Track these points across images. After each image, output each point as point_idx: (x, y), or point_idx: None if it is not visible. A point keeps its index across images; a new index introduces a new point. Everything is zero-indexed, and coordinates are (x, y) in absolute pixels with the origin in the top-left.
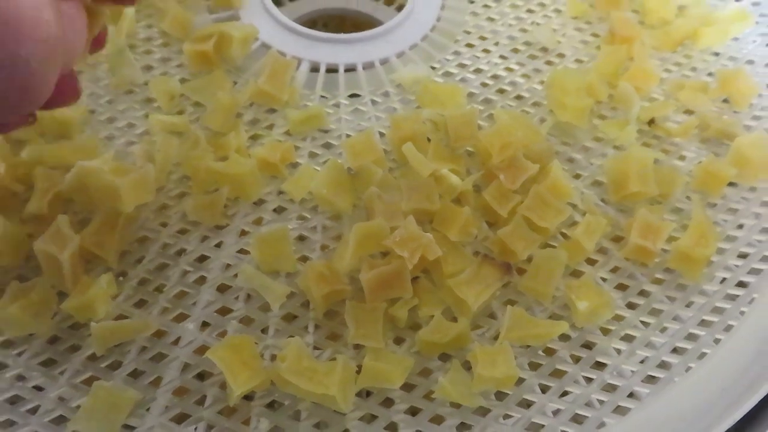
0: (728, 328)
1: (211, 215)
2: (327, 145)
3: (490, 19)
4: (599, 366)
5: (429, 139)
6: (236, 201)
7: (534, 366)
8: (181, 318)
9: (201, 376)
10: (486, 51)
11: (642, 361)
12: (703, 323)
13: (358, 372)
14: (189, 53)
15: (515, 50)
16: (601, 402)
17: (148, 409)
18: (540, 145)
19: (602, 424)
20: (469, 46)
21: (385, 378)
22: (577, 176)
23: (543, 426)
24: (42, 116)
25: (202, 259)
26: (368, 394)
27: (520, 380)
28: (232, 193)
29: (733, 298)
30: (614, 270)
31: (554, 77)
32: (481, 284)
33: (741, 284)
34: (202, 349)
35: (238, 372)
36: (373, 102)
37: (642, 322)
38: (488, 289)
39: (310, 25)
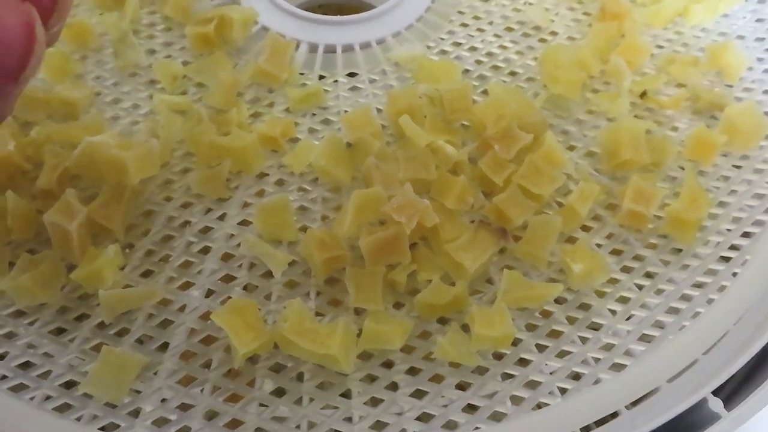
0: (721, 289)
1: (215, 188)
2: (326, 121)
3: (484, 0)
4: (595, 326)
5: (425, 116)
6: (238, 174)
7: (531, 327)
8: (187, 286)
9: (207, 341)
10: (480, 30)
11: (637, 322)
12: (697, 284)
13: (359, 336)
14: (191, 36)
15: (509, 29)
16: (596, 360)
17: (155, 373)
18: (534, 116)
19: (598, 380)
20: (464, 25)
21: (386, 339)
22: (572, 148)
23: (540, 383)
24: (49, 99)
25: (206, 230)
26: (369, 356)
27: (518, 341)
28: (235, 166)
29: (726, 260)
30: (609, 236)
31: (547, 52)
32: (477, 249)
33: (734, 247)
34: (207, 316)
35: (242, 333)
36: (371, 80)
37: (636, 284)
38: (484, 253)
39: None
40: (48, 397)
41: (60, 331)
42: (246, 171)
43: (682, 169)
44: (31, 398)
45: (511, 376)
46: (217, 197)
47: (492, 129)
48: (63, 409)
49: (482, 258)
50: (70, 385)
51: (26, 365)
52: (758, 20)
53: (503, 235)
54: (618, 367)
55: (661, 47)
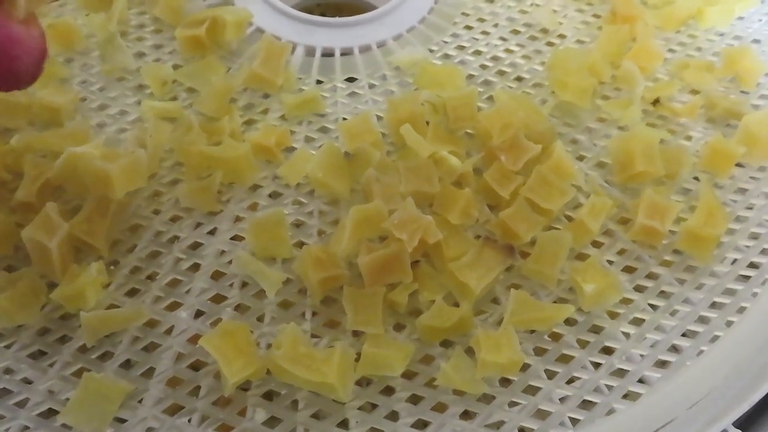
0: (741, 310)
1: (205, 201)
2: (323, 129)
3: (489, 1)
4: (607, 351)
5: (428, 123)
6: (230, 186)
7: (540, 351)
8: (174, 306)
9: (195, 367)
10: (485, 33)
11: (652, 345)
12: (715, 305)
13: (357, 360)
14: (181, 38)
15: (515, 32)
16: (609, 387)
17: (140, 401)
18: (542, 125)
19: (612, 410)
20: (468, 28)
21: (386, 365)
22: (581, 158)
23: (550, 413)
24: (31, 104)
25: (196, 246)
26: (368, 383)
27: (526, 366)
28: (226, 178)
29: (745, 279)
30: (621, 252)
31: (556, 57)
32: (483, 267)
33: (753, 265)
34: (195, 338)
35: (232, 360)
36: (371, 85)
37: (651, 305)
38: (491, 272)
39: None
40: (25, 428)
41: (39, 355)
42: (238, 183)
43: (697, 180)
44: (7, 430)
45: (518, 404)
46: (207, 211)
47: (498, 138)
48: None
49: (488, 278)
50: (49, 414)
51: (2, 392)
52: None
53: (510, 253)
54: (632, 396)
55: (673, 51)
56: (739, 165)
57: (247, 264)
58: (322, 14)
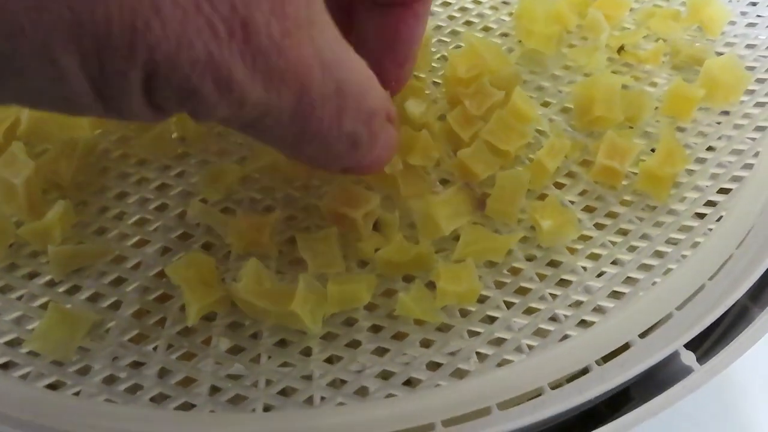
0: (695, 245)
1: (174, 144)
2: None
3: None
4: (565, 283)
5: None
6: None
7: (499, 285)
8: (142, 243)
9: (161, 299)
10: None
11: (608, 278)
12: (671, 241)
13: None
14: None
15: None
16: (566, 317)
17: (107, 331)
18: (507, 70)
19: (566, 336)
20: None
21: (353, 297)
22: (546, 104)
23: (506, 340)
24: None
25: (164, 187)
26: (331, 314)
27: (484, 297)
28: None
29: (701, 216)
30: (582, 193)
31: (523, 6)
32: (453, 208)
33: (710, 203)
34: (162, 274)
35: (196, 289)
36: None
37: (609, 241)
38: (460, 217)
39: None
40: None
41: (7, 289)
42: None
43: (659, 123)
44: None
45: (476, 333)
46: (174, 154)
47: (465, 75)
48: (7, 366)
49: (457, 222)
50: (15, 342)
51: None
52: None
53: (480, 206)
54: (587, 324)
55: (641, 2)
56: (703, 109)
57: (204, 214)
58: None
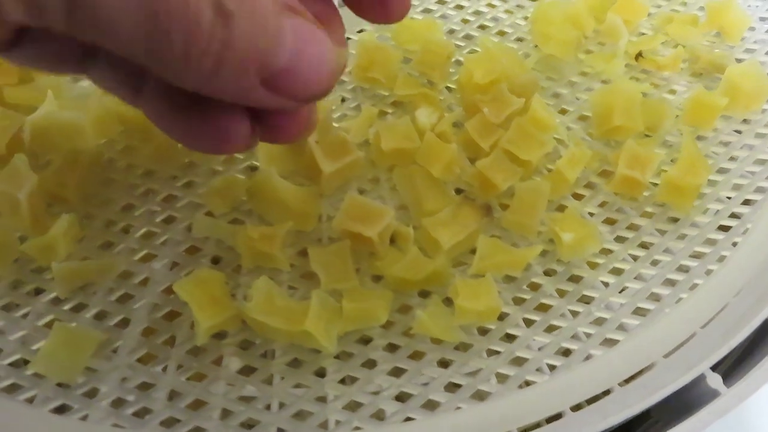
0: (721, 259)
1: (180, 154)
2: None
3: None
4: (586, 299)
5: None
6: None
7: (518, 301)
8: (149, 258)
9: (170, 317)
10: None
11: (631, 294)
12: (695, 255)
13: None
14: None
15: None
16: (588, 335)
17: (114, 351)
18: (524, 76)
19: (589, 356)
20: None
21: (369, 316)
22: (563, 111)
23: (527, 360)
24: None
25: (170, 198)
26: (346, 333)
27: (504, 315)
28: None
29: (725, 229)
30: (602, 204)
31: (540, 10)
32: (458, 225)
33: (734, 215)
34: (171, 290)
35: (205, 306)
36: (348, 39)
37: (631, 255)
38: (465, 229)
39: None
40: None
41: (11, 307)
42: None
43: (681, 134)
44: None
45: (496, 352)
46: (182, 163)
47: (482, 80)
48: (12, 389)
49: (461, 235)
50: (20, 364)
51: None
52: None
53: (487, 212)
54: (610, 343)
55: (659, 6)
56: (724, 117)
57: (210, 227)
58: None
